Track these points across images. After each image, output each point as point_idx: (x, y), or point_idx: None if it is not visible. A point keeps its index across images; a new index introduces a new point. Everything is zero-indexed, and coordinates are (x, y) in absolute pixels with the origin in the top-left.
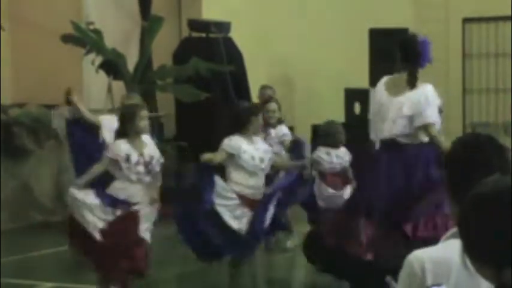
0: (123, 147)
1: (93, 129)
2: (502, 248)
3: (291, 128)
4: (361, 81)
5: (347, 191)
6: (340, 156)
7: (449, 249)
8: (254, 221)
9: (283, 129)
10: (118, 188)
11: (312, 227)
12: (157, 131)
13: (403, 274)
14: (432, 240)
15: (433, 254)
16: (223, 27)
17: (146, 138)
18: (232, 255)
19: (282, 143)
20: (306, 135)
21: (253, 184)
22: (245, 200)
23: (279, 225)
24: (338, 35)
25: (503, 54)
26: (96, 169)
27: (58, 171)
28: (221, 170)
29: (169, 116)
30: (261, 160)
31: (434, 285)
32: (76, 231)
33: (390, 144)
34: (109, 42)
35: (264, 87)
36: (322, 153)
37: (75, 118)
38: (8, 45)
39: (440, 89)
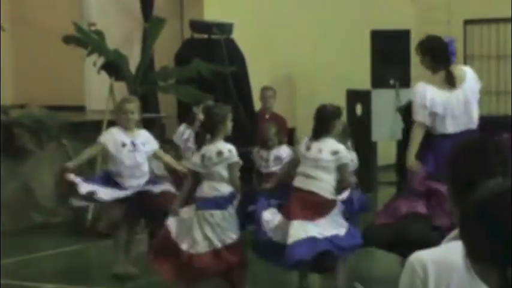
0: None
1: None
2: (503, 249)
3: (293, 130)
4: (363, 82)
5: None
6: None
7: (451, 251)
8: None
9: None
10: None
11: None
12: (159, 132)
13: (404, 275)
14: None
15: (435, 255)
16: (225, 28)
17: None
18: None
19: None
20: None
21: None
22: None
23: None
24: (340, 37)
25: (505, 56)
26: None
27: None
28: None
29: (171, 117)
30: None
31: None
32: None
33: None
34: (111, 43)
35: (265, 89)
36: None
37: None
38: (9, 46)
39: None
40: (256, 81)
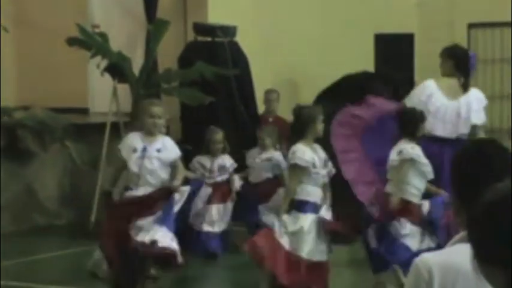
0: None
1: None
2: (510, 250)
3: None
4: None
5: None
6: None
7: (456, 254)
8: None
9: None
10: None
11: None
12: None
13: (410, 278)
14: None
15: (441, 258)
16: (229, 31)
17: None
18: None
19: None
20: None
21: None
22: None
23: None
24: (343, 40)
25: (508, 60)
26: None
27: (62, 175)
28: None
29: (174, 119)
30: None
31: None
32: None
33: (455, 142)
34: (114, 45)
35: (269, 92)
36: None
37: None
38: (13, 48)
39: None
40: (260, 84)
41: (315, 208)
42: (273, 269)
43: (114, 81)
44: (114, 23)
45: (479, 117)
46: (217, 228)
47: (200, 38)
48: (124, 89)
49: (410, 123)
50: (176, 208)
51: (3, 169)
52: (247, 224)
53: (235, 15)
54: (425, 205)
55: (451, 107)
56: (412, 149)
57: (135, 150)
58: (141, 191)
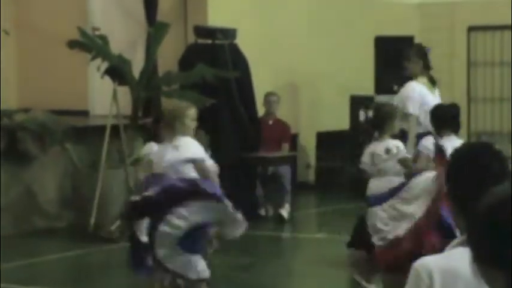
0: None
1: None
2: (510, 253)
3: (296, 135)
4: (367, 88)
5: None
6: None
7: (456, 258)
8: None
9: None
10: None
11: None
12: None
13: (410, 282)
14: None
15: (440, 262)
16: (229, 33)
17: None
18: None
19: None
20: (310, 143)
21: None
22: None
23: None
24: (344, 43)
25: (508, 63)
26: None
27: (62, 177)
28: None
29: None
30: None
31: None
32: None
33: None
34: (115, 48)
35: (269, 94)
36: None
37: None
38: (13, 50)
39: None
40: (260, 86)
41: None
42: None
43: (114, 83)
44: (114, 25)
45: None
46: None
47: (200, 41)
48: (124, 92)
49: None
50: None
51: (3, 171)
52: None
53: (235, 18)
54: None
55: (437, 102)
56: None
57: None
58: None
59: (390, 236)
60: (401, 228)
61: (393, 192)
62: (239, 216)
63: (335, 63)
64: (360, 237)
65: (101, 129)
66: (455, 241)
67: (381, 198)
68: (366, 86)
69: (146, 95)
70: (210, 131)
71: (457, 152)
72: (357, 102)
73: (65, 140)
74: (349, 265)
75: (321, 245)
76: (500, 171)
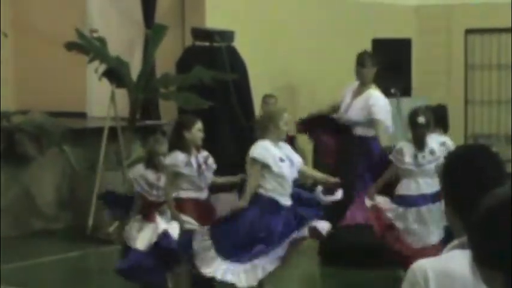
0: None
1: None
2: (509, 254)
3: (293, 138)
4: None
5: None
6: None
7: (452, 260)
8: None
9: None
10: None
11: None
12: None
13: (405, 284)
14: None
15: (436, 264)
16: (227, 36)
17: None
18: None
19: None
20: (307, 146)
21: None
22: None
23: None
24: (341, 45)
25: (506, 65)
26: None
27: (60, 179)
28: None
29: (172, 124)
30: None
31: None
32: None
33: None
34: (112, 50)
35: (267, 97)
36: None
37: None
38: (11, 52)
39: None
40: (257, 89)
41: None
42: None
43: (112, 85)
44: (112, 27)
45: None
46: None
47: (198, 43)
48: (122, 94)
49: None
50: None
51: (2, 173)
52: None
53: (233, 20)
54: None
55: None
56: None
57: (282, 160)
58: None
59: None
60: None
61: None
62: None
63: (332, 66)
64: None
65: (99, 131)
66: (452, 244)
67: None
68: None
69: (144, 97)
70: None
71: (453, 154)
72: None
73: (63, 142)
74: None
75: None
76: (496, 174)
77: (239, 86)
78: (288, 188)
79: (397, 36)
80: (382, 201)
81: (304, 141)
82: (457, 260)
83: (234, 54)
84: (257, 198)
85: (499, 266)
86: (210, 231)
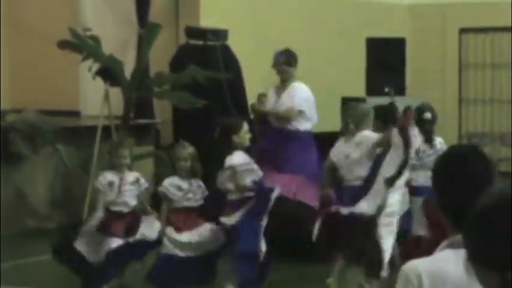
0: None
1: None
2: (504, 253)
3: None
4: (358, 90)
5: None
6: None
7: (444, 260)
8: None
9: None
10: None
11: None
12: (153, 138)
13: (399, 284)
14: None
15: (429, 264)
16: (221, 34)
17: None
18: None
19: None
20: None
21: None
22: None
23: None
24: (335, 44)
25: (500, 64)
26: None
27: (53, 178)
28: None
29: (166, 123)
30: None
31: None
32: None
33: None
34: (106, 48)
35: (262, 95)
36: None
37: None
38: (5, 51)
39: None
40: (251, 87)
41: None
42: None
43: (105, 84)
44: (106, 26)
45: None
46: None
47: (192, 42)
48: (116, 93)
49: None
50: None
51: None
52: None
53: (227, 19)
54: None
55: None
56: None
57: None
58: None
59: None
60: None
61: None
62: None
63: (326, 65)
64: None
65: (93, 129)
66: (444, 243)
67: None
68: (357, 87)
69: (138, 95)
70: (200, 131)
71: (445, 154)
72: (348, 104)
73: (56, 141)
74: None
75: None
76: (487, 174)
77: (233, 85)
78: None
79: (391, 35)
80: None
81: None
82: (449, 260)
83: (227, 52)
84: None
85: (494, 266)
86: None
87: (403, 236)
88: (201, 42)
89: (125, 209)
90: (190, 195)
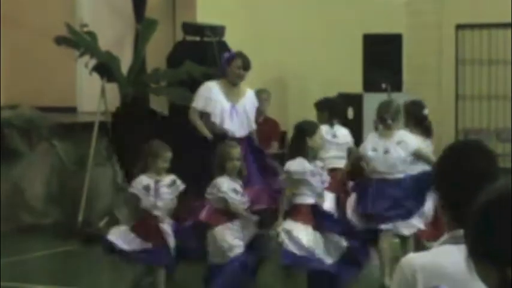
0: None
1: None
2: (504, 249)
3: (284, 133)
4: (355, 86)
5: None
6: None
7: (442, 255)
8: None
9: None
10: None
11: None
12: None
13: (395, 278)
14: None
15: (426, 259)
16: (218, 31)
17: None
18: None
19: None
20: None
21: None
22: None
23: None
24: (332, 40)
25: (496, 60)
26: None
27: (49, 174)
28: None
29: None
30: None
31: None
32: None
33: None
34: (103, 44)
35: (260, 91)
36: None
37: None
38: (1, 47)
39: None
40: (248, 83)
41: None
42: None
43: (102, 80)
44: (102, 22)
45: None
46: None
47: (189, 38)
48: (112, 89)
49: None
50: None
51: None
52: None
53: (224, 15)
54: None
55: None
56: None
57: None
58: None
59: None
60: None
61: None
62: None
63: (323, 61)
64: None
65: (89, 126)
66: (442, 239)
67: None
68: (354, 83)
69: (134, 92)
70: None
71: (446, 150)
72: (345, 100)
73: (52, 137)
74: None
75: None
76: (488, 169)
77: None
78: None
79: (388, 31)
80: None
81: None
82: (447, 255)
83: (224, 49)
84: None
85: (494, 262)
86: None
87: None
88: (198, 39)
89: (163, 212)
90: (244, 198)
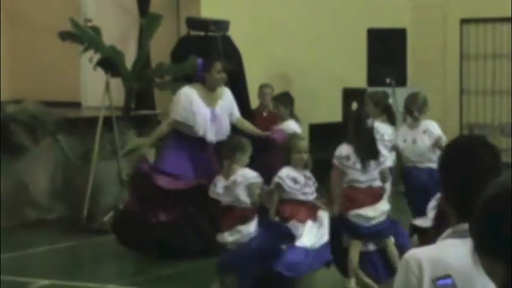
0: None
1: None
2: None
3: None
4: (359, 81)
5: None
6: None
7: (447, 249)
8: None
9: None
10: None
11: None
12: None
13: (400, 273)
14: None
15: (431, 253)
16: (222, 25)
17: None
18: None
19: None
20: (303, 134)
21: None
22: None
23: None
24: (336, 35)
25: (501, 55)
26: None
27: (54, 169)
28: None
29: (167, 114)
30: None
31: (441, 278)
32: None
33: None
34: (107, 39)
35: (263, 86)
36: None
37: None
38: (5, 42)
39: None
40: (252, 78)
41: None
42: None
43: (106, 75)
44: (106, 17)
45: None
46: None
47: (193, 33)
48: (117, 83)
49: None
50: None
51: None
52: None
53: (228, 10)
54: None
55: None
56: None
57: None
58: None
59: None
60: None
61: None
62: None
63: (328, 56)
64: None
65: (93, 120)
66: (446, 232)
67: None
68: (359, 78)
69: (139, 86)
70: None
71: (451, 145)
72: (350, 95)
73: (57, 132)
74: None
75: None
76: (493, 164)
77: (234, 76)
78: None
79: (393, 26)
80: None
81: (302, 130)
82: (452, 249)
83: (228, 43)
84: None
85: (499, 257)
86: None
87: None
88: (202, 33)
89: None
90: (307, 189)
